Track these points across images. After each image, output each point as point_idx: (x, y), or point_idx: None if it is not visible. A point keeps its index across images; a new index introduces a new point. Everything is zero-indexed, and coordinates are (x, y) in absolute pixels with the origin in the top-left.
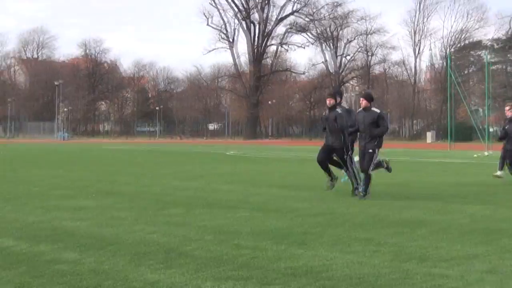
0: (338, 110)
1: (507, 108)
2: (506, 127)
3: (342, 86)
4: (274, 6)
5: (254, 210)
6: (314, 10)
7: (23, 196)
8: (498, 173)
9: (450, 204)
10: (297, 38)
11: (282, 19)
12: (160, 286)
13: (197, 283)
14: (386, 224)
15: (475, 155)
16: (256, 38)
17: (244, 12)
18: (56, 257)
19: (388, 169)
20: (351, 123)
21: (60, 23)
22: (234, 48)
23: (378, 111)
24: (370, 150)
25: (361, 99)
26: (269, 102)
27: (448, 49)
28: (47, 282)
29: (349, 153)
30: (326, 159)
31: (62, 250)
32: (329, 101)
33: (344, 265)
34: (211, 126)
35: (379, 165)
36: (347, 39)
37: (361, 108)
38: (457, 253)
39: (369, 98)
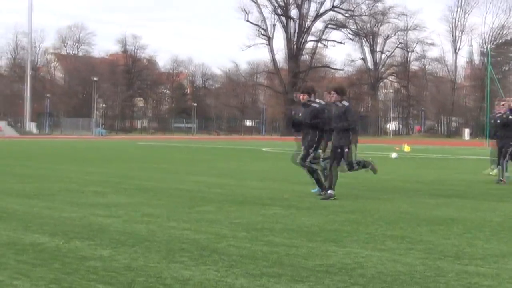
0: (316, 105)
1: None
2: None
3: (381, 82)
4: (313, 1)
5: (287, 207)
6: (354, 6)
7: (58, 192)
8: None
9: (484, 202)
10: (336, 34)
11: (321, 14)
12: (193, 283)
13: (230, 280)
14: (419, 221)
15: None
16: (294, 34)
17: (282, 8)
18: (89, 254)
19: (373, 169)
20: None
21: (98, 20)
22: (272, 44)
23: (346, 104)
24: (346, 149)
25: (332, 92)
26: None
27: (488, 45)
28: (81, 278)
29: (314, 151)
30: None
31: (96, 247)
32: (303, 97)
33: (378, 262)
34: (248, 123)
35: (364, 165)
36: (387, 35)
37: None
38: (491, 251)
39: (340, 91)
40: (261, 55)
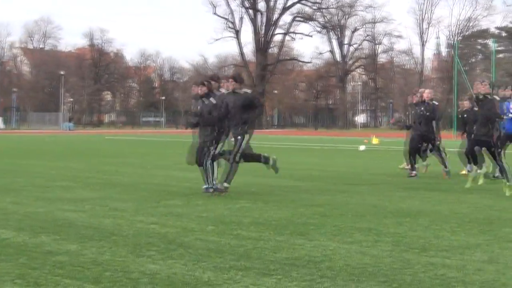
0: (212, 100)
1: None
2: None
3: (349, 75)
4: None
5: (255, 201)
6: None
7: (24, 187)
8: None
9: (450, 193)
10: (304, 26)
11: (288, 7)
12: (160, 277)
13: (197, 273)
14: (386, 214)
15: None
16: (262, 27)
17: (250, 1)
18: (56, 248)
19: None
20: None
21: (64, 13)
22: (240, 38)
23: (249, 91)
24: (239, 137)
25: (230, 80)
26: (275, 91)
27: (455, 38)
28: (47, 273)
29: (215, 148)
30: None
31: (62, 241)
32: (200, 89)
33: (345, 255)
34: None
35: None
36: (354, 28)
37: (229, 91)
38: (458, 242)
39: (239, 79)
40: (229, 48)
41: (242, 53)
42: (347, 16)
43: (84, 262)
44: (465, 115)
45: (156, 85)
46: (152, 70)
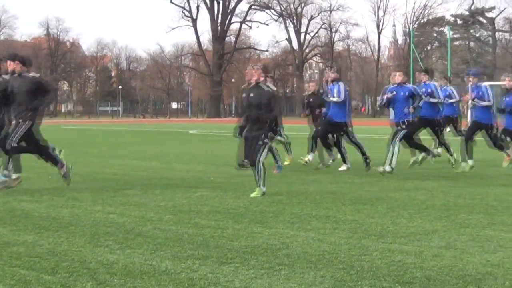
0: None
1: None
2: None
3: (306, 63)
4: None
5: (214, 189)
6: None
7: None
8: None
9: (408, 180)
10: (261, 15)
11: None
12: (118, 267)
13: (155, 262)
14: (344, 201)
15: None
16: (219, 16)
17: None
18: (13, 239)
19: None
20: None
21: (20, 2)
22: (197, 26)
23: (37, 75)
24: (20, 120)
25: (16, 61)
26: (232, 80)
27: (411, 25)
28: (3, 264)
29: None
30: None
31: (19, 232)
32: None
33: (303, 242)
34: (174, 105)
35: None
36: (311, 16)
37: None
38: (415, 229)
39: (22, 61)
40: (186, 37)
41: (199, 42)
42: (303, 4)
43: (41, 252)
44: (311, 99)
45: (113, 75)
46: (108, 59)
